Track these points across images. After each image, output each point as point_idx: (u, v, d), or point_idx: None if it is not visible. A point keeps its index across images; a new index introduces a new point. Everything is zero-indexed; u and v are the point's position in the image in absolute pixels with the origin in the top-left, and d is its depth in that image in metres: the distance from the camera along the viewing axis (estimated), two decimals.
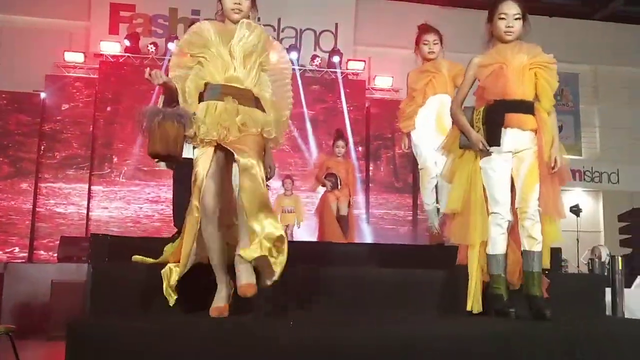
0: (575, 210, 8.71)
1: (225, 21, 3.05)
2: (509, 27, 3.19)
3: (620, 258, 4.91)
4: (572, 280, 4.35)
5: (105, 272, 3.16)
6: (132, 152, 9.55)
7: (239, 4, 2.97)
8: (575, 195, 10.79)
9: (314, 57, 10.47)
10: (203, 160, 2.86)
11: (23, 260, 8.73)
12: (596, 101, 11.76)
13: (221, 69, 2.94)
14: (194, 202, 2.83)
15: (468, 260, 3.28)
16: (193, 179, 2.86)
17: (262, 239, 2.66)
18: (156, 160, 3.22)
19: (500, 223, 3.18)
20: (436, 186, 4.52)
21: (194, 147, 2.95)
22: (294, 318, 2.93)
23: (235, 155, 2.78)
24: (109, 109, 9.72)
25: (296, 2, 10.60)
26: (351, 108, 10.29)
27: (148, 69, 2.85)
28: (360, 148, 10.28)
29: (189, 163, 2.99)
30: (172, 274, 2.84)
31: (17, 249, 9.05)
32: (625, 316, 4.50)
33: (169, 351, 2.34)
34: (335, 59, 10.42)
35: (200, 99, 2.96)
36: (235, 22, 3.00)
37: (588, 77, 11.74)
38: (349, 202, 7.15)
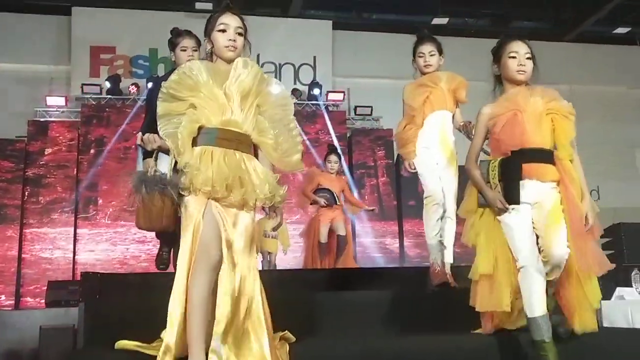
0: None
1: (215, 61, 2.80)
2: (521, 65, 2.96)
3: None
4: None
5: (97, 310, 3.16)
6: (117, 193, 9.54)
7: (234, 40, 2.74)
8: None
9: (294, 90, 10.62)
10: (195, 201, 2.56)
11: (10, 308, 8.61)
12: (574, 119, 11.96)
13: (217, 112, 2.65)
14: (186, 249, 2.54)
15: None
16: (184, 223, 2.58)
17: None
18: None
19: (530, 277, 2.75)
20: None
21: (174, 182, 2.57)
22: None
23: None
24: (92, 151, 9.73)
25: (274, 37, 10.76)
26: (331, 140, 10.39)
27: (140, 134, 2.61)
28: (343, 177, 10.33)
29: None
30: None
31: (3, 297, 8.91)
32: (604, 325, 4.52)
33: None
34: (316, 91, 10.57)
35: (193, 143, 2.64)
36: (230, 60, 2.76)
37: (564, 96, 11.89)
38: (345, 220, 6.63)
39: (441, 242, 4.13)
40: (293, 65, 11.01)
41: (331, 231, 6.55)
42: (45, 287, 7.78)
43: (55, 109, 9.91)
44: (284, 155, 2.78)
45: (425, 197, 4.20)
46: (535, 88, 2.99)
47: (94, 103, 9.95)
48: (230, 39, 2.74)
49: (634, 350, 3.10)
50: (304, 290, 3.90)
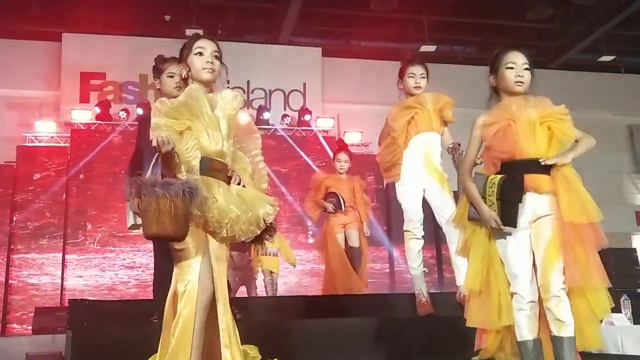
0: None
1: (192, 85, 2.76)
2: (519, 76, 2.89)
3: None
4: None
5: (85, 337, 3.14)
6: (106, 219, 9.50)
7: (211, 62, 2.74)
8: None
9: (284, 116, 10.70)
10: (195, 234, 2.52)
11: None
12: None
13: (213, 141, 2.66)
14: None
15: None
16: (184, 255, 2.53)
17: None
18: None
19: (521, 305, 2.73)
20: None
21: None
22: None
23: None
24: (81, 176, 9.70)
25: (264, 64, 10.89)
26: (323, 164, 10.44)
27: (155, 134, 2.46)
28: (355, 177, 10.33)
29: None
30: None
31: None
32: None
33: None
34: (307, 117, 10.66)
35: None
36: (208, 82, 2.77)
37: None
38: (360, 229, 5.78)
39: (424, 272, 4.12)
40: (283, 91, 11.11)
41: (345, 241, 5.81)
42: (32, 314, 7.71)
43: (44, 134, 9.90)
44: (255, 186, 2.80)
45: (405, 231, 4.15)
46: (529, 98, 2.92)
47: (83, 128, 9.96)
48: (207, 61, 2.75)
49: None
50: (295, 317, 3.90)
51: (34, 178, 9.54)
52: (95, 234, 9.51)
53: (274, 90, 11.07)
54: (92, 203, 9.59)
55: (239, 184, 2.69)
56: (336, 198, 5.71)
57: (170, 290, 2.58)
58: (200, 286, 2.49)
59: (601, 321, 2.90)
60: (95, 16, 10.27)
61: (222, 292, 2.56)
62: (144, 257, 9.20)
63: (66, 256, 9.34)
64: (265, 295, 6.76)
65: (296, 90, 11.13)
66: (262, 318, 2.80)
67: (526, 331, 2.71)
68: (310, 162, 8.50)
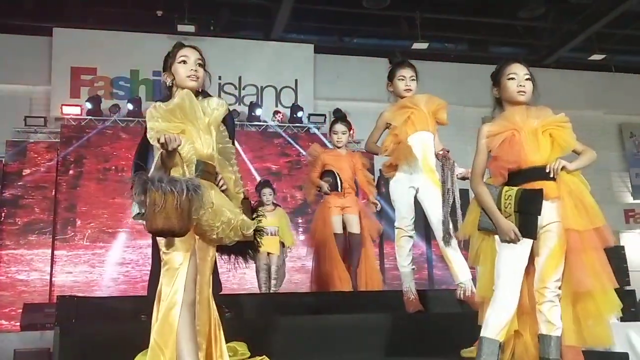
0: None
1: (175, 93, 2.80)
2: (521, 86, 2.98)
3: None
4: None
5: (73, 334, 3.12)
6: (95, 215, 9.47)
7: (195, 70, 2.79)
8: None
9: (275, 112, 10.67)
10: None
11: None
12: None
13: (205, 145, 2.70)
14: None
15: None
16: (171, 258, 2.52)
17: None
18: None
19: (500, 305, 2.76)
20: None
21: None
22: None
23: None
24: (71, 172, 9.66)
25: (257, 60, 10.86)
26: None
27: (162, 133, 2.48)
28: (355, 152, 10.33)
29: None
30: None
31: None
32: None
33: None
34: (299, 114, 10.65)
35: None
36: (192, 90, 2.78)
37: None
38: (360, 214, 5.27)
39: (414, 270, 4.11)
40: (275, 88, 11.08)
41: (343, 227, 5.24)
42: (21, 310, 7.67)
43: (34, 130, 9.83)
44: (237, 195, 2.82)
45: (396, 228, 4.12)
46: (531, 108, 3.00)
47: (73, 124, 9.89)
48: (191, 69, 2.79)
49: None
50: (284, 314, 3.89)
51: (24, 174, 9.50)
52: (84, 230, 9.47)
53: (266, 87, 11.04)
54: (82, 199, 9.55)
55: (224, 191, 2.73)
56: (333, 177, 5.20)
57: (157, 291, 2.57)
58: (186, 288, 2.49)
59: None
60: (87, 11, 10.22)
61: (201, 292, 2.60)
62: (134, 253, 9.18)
63: (55, 252, 9.31)
64: (257, 284, 6.50)
65: (288, 87, 11.11)
66: (251, 315, 2.80)
67: (491, 329, 2.74)
68: (307, 156, 8.42)
